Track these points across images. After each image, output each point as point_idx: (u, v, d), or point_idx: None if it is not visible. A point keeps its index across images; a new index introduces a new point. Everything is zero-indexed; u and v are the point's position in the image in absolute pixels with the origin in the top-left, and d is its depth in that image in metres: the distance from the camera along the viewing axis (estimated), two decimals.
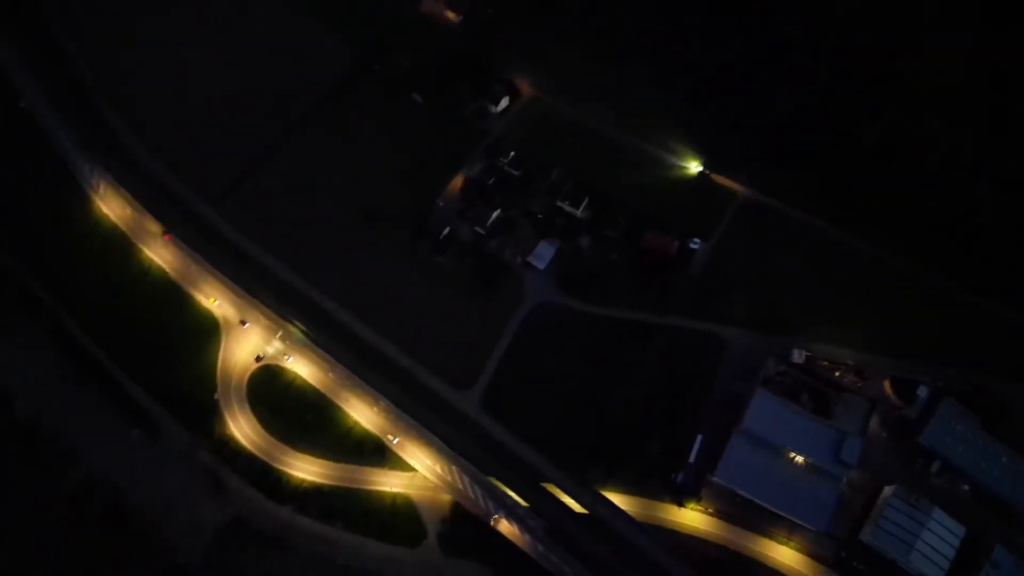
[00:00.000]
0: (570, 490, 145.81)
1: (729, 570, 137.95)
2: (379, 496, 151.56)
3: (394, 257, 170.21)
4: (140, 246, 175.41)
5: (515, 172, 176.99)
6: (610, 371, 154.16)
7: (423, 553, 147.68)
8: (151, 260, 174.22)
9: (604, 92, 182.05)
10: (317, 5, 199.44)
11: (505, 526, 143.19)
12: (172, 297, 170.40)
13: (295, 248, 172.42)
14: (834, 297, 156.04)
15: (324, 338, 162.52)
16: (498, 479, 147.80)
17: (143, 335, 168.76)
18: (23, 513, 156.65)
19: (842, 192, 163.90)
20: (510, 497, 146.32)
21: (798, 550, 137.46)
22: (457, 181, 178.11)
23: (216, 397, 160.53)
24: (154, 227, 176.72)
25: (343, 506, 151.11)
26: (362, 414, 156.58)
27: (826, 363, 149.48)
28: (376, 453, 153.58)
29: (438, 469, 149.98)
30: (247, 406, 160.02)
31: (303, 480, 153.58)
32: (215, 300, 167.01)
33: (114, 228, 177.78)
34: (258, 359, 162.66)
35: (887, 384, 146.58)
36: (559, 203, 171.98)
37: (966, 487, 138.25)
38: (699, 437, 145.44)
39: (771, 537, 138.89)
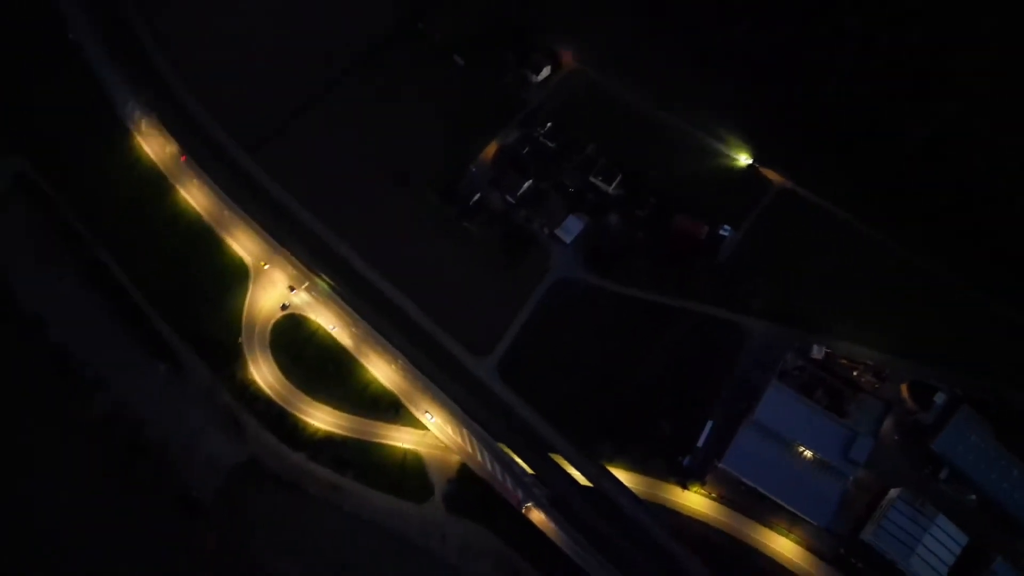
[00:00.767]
0: (577, 462, 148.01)
1: (727, 554, 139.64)
2: (390, 451, 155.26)
3: (423, 219, 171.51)
4: (177, 187, 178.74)
5: (550, 144, 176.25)
6: (628, 350, 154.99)
7: (428, 509, 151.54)
8: (186, 202, 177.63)
9: (648, 70, 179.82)
10: None
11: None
12: (204, 240, 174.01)
13: (326, 201, 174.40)
14: (860, 296, 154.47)
15: (349, 293, 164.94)
16: (507, 445, 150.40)
17: (174, 274, 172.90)
18: (48, 437, 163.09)
19: (881, 190, 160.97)
20: (517, 464, 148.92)
21: (797, 543, 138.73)
22: (491, 148, 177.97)
23: (240, 341, 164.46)
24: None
25: (355, 457, 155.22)
26: (380, 370, 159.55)
27: (845, 361, 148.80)
28: (391, 409, 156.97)
29: (449, 430, 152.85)
30: (269, 352, 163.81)
31: (318, 429, 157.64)
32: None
33: (153, 167, 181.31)
34: (284, 308, 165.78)
35: (905, 388, 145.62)
36: (592, 178, 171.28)
37: (973, 496, 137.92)
38: (709, 423, 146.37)
39: (771, 527, 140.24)
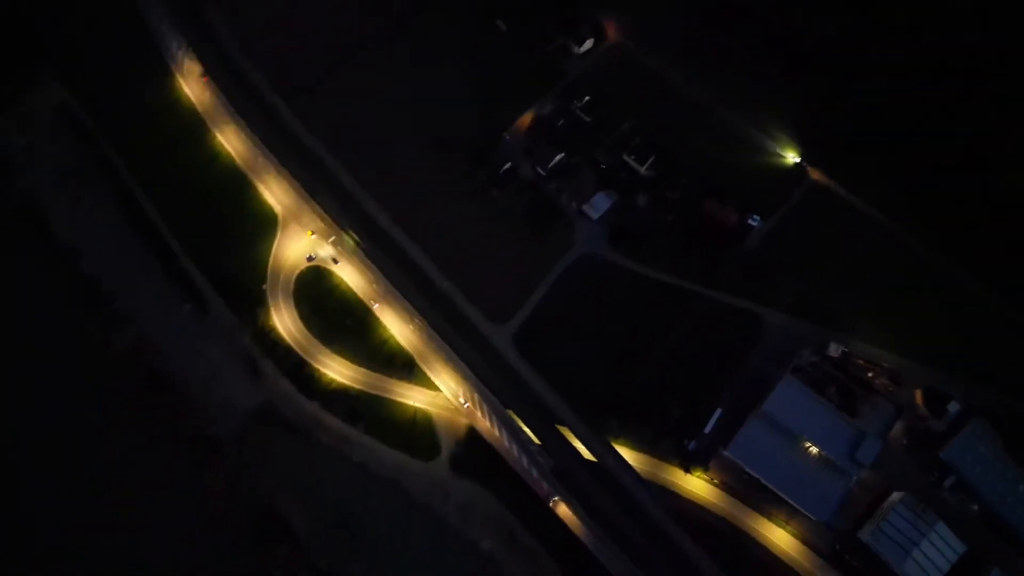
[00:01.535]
0: (583, 436, 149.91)
1: (722, 539, 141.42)
2: (402, 408, 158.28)
3: (452, 183, 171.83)
4: (214, 131, 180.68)
5: (586, 118, 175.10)
6: (644, 331, 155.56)
7: (434, 468, 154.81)
8: (222, 146, 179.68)
9: (694, 50, 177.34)
10: None
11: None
12: (237, 185, 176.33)
13: (358, 157, 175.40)
14: (884, 299, 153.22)
15: (373, 250, 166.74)
16: (516, 413, 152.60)
17: (205, 216, 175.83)
18: (71, 365, 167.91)
19: (919, 194, 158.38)
20: (524, 432, 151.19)
21: (794, 535, 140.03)
22: (527, 118, 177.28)
23: (264, 288, 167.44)
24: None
25: (367, 410, 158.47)
26: (397, 328, 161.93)
27: (862, 362, 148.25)
28: (405, 367, 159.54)
29: (461, 394, 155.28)
30: (292, 301, 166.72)
31: (333, 380, 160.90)
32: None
33: (192, 109, 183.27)
34: (310, 259, 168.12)
35: (919, 393, 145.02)
36: (624, 156, 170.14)
37: (976, 507, 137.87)
38: (718, 410, 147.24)
39: (770, 518, 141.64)
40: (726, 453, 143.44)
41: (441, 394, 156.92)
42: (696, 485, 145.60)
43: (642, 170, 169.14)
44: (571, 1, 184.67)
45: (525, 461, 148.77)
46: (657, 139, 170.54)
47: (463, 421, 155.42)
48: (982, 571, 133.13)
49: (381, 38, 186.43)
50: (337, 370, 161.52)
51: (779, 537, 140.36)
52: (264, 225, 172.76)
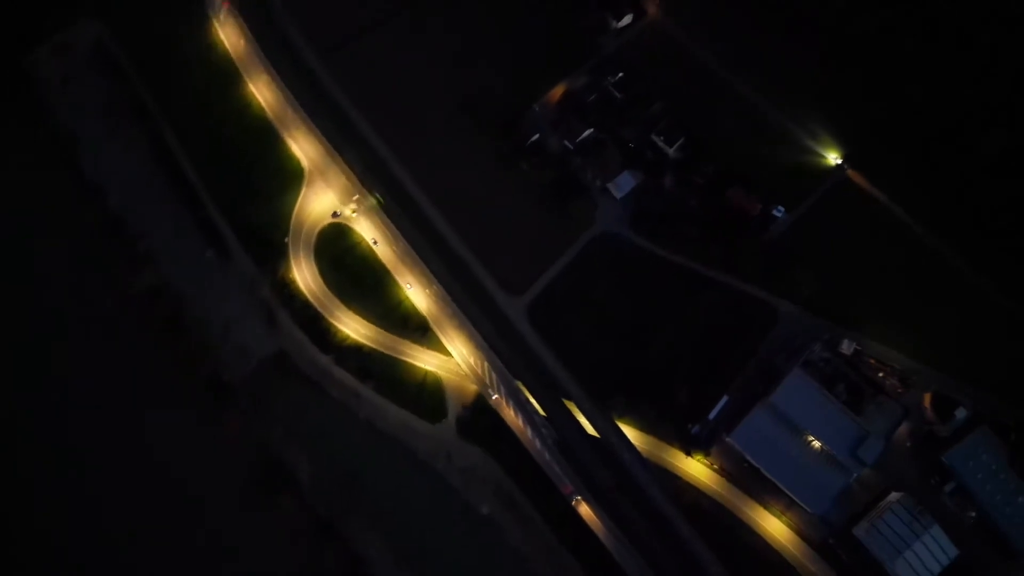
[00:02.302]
0: (588, 412, 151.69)
1: (716, 523, 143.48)
2: (412, 369, 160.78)
3: (478, 151, 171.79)
4: (247, 80, 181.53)
5: (618, 95, 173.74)
6: (658, 313, 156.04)
7: (439, 430, 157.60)
8: (254, 96, 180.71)
9: (732, 34, 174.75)
10: None
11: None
12: (266, 136, 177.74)
13: (387, 117, 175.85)
14: (902, 300, 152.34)
15: (396, 211, 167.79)
16: (524, 384, 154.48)
17: (233, 165, 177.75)
18: (95, 303, 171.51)
19: (948, 196, 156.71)
20: (530, 403, 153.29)
21: (788, 526, 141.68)
22: (558, 90, 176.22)
23: (286, 240, 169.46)
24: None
25: (378, 369, 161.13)
26: (414, 291, 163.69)
27: (873, 361, 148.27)
28: (419, 330, 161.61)
29: (471, 360, 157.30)
30: (312, 256, 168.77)
31: (347, 336, 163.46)
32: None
33: (227, 56, 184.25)
34: (335, 215, 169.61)
35: (928, 398, 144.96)
36: (653, 136, 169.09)
37: (973, 514, 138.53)
38: (725, 397, 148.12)
39: (766, 507, 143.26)
40: (729, 439, 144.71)
41: (452, 359, 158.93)
42: (696, 469, 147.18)
43: (670, 152, 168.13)
44: None
45: (531, 433, 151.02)
46: (688, 122, 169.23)
47: (472, 388, 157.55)
48: None
49: (419, 1, 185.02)
50: (352, 327, 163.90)
51: (773, 526, 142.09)
52: (290, 178, 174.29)
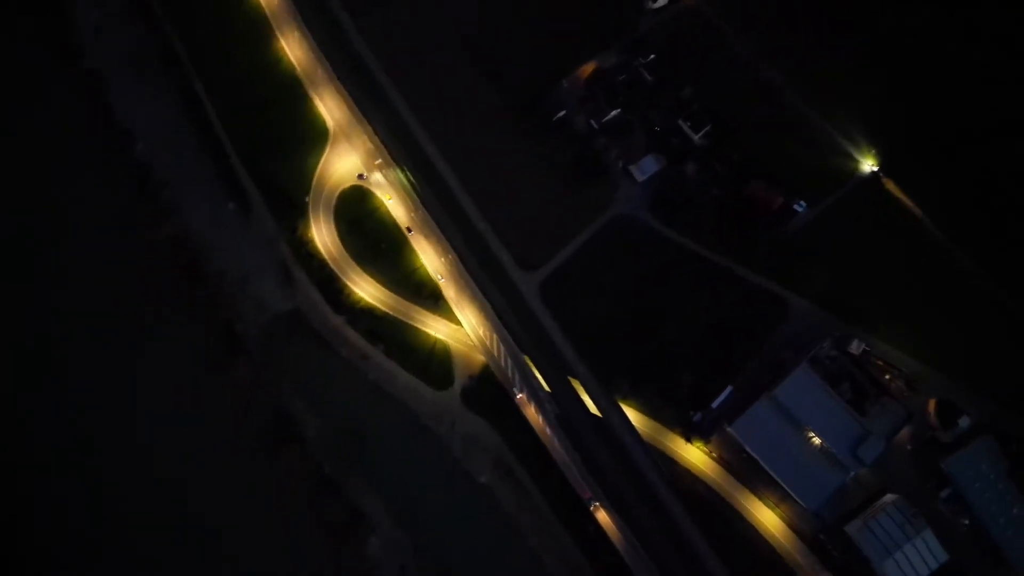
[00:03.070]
0: (592, 391, 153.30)
1: (710, 510, 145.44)
2: (422, 336, 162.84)
3: (503, 123, 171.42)
4: (279, 35, 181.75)
5: (648, 76, 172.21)
6: (669, 299, 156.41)
7: (444, 397, 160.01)
8: (285, 52, 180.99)
9: (771, 26, 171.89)
10: None
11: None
12: (294, 94, 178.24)
13: (415, 83, 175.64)
14: (916, 304, 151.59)
15: (417, 179, 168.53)
16: (531, 359, 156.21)
17: (259, 120, 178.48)
18: (115, 246, 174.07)
19: (973, 203, 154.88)
20: (536, 378, 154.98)
21: (781, 518, 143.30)
22: (588, 68, 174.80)
23: (307, 199, 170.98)
24: None
25: (389, 333, 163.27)
26: (429, 259, 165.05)
27: (881, 363, 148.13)
28: (432, 298, 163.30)
29: (481, 332, 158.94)
30: (332, 217, 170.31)
31: (361, 298, 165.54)
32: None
33: (260, 10, 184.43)
34: (360, 177, 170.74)
35: (932, 403, 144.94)
36: (680, 122, 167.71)
37: (967, 521, 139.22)
38: (729, 387, 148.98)
39: (760, 498, 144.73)
40: (729, 429, 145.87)
41: (462, 329, 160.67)
42: (694, 455, 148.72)
43: (696, 138, 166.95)
44: None
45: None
46: (716, 109, 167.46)
47: (479, 358, 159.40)
48: None
49: None
50: (366, 289, 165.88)
51: (766, 517, 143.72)
52: (315, 138, 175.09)
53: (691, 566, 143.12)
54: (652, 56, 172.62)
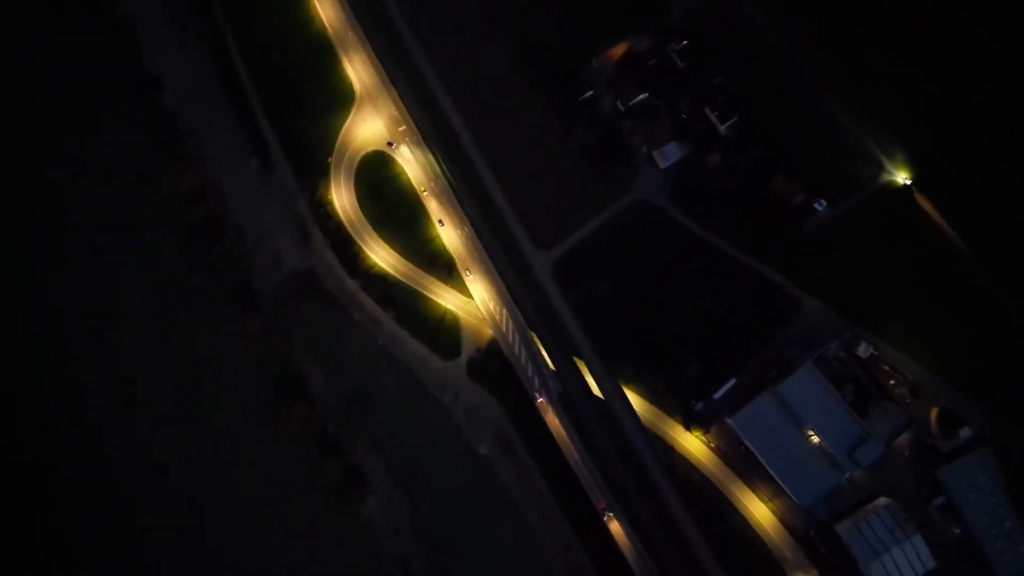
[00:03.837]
0: (596, 373, 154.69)
1: (703, 497, 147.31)
2: (434, 305, 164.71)
3: (529, 100, 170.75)
4: None
5: (679, 63, 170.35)
6: (681, 287, 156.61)
7: (450, 367, 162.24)
8: (317, 11, 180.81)
9: (807, 21, 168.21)
10: None
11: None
12: (324, 54, 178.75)
13: (445, 52, 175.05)
14: (927, 312, 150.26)
15: (439, 148, 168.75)
16: (538, 336, 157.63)
17: (287, 77, 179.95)
18: (138, 193, 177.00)
19: (997, 215, 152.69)
20: (541, 355, 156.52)
21: (773, 512, 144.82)
22: (619, 49, 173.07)
23: (329, 161, 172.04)
24: None
25: (401, 300, 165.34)
26: (446, 230, 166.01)
27: (887, 368, 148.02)
28: (445, 269, 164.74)
29: (491, 306, 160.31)
30: (352, 181, 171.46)
31: (376, 264, 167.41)
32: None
33: None
34: (390, 144, 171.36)
35: (935, 411, 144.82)
36: (707, 111, 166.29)
37: (958, 531, 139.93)
38: (733, 380, 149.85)
39: (754, 490, 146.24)
40: (730, 421, 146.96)
41: (473, 301, 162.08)
42: (692, 444, 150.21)
43: (722, 128, 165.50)
44: None
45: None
46: (744, 101, 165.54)
47: (487, 332, 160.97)
48: None
49: None
50: (381, 256, 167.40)
51: (758, 510, 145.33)
52: (341, 100, 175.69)
53: (682, 552, 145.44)
54: (685, 42, 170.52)
